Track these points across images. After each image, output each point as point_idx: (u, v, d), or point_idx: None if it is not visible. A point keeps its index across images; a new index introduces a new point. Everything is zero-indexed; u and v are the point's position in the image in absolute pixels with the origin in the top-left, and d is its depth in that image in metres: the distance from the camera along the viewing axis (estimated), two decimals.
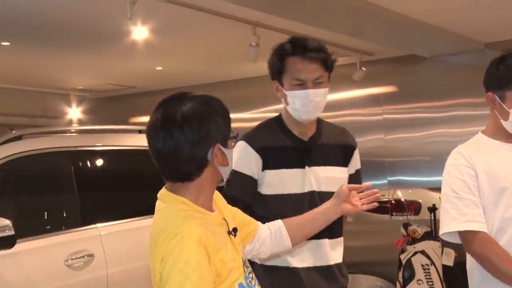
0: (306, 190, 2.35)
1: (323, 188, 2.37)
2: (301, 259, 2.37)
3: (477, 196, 2.19)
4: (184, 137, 1.65)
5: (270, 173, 2.33)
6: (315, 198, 2.34)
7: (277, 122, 2.42)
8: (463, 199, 2.20)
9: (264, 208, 2.33)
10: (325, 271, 2.41)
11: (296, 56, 2.32)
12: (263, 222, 2.14)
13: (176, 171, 1.70)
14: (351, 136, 2.55)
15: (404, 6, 5.11)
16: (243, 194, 2.32)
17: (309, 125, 2.41)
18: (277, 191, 2.34)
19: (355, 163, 2.52)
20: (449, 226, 2.21)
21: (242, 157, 2.35)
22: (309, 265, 2.39)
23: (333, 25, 5.40)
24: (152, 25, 4.99)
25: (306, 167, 2.35)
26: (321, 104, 2.34)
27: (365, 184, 2.17)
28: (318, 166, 2.38)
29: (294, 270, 2.37)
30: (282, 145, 2.36)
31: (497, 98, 2.24)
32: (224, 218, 1.81)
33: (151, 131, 1.70)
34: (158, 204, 1.77)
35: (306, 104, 2.30)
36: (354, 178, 2.49)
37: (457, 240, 2.24)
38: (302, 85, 2.31)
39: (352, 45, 6.49)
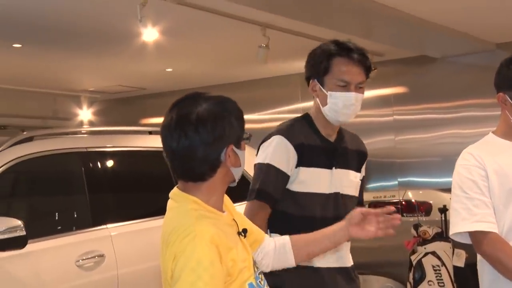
0: (333, 191, 2.37)
1: (345, 191, 2.40)
2: (324, 259, 2.37)
3: (488, 196, 2.19)
4: (198, 137, 1.66)
5: (304, 170, 2.33)
6: (339, 200, 2.37)
7: (307, 121, 2.43)
8: (473, 199, 2.19)
9: (292, 205, 2.34)
10: (344, 272, 2.44)
11: (343, 57, 2.35)
12: (289, 220, 2.15)
13: (189, 171, 1.71)
14: (363, 143, 2.60)
15: (414, 6, 5.09)
16: (275, 190, 2.31)
17: (335, 128, 2.44)
18: (309, 189, 2.34)
19: (363, 170, 2.56)
20: (459, 226, 2.20)
21: (280, 152, 2.34)
22: (331, 266, 2.40)
23: (342, 26, 5.39)
24: (162, 26, 5.01)
25: (333, 168, 2.38)
26: (358, 109, 2.38)
27: (387, 207, 1.99)
28: (342, 169, 2.41)
29: (317, 270, 2.37)
30: (314, 144, 2.37)
31: (508, 98, 2.24)
32: (234, 219, 1.81)
33: (165, 130, 1.71)
34: (169, 203, 1.78)
35: (348, 106, 2.33)
36: (361, 185, 2.53)
37: (467, 240, 2.23)
38: (345, 87, 2.33)
39: (361, 46, 6.47)
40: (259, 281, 1.77)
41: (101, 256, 3.65)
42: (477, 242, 2.18)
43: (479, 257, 2.26)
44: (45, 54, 6.34)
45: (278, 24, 5.22)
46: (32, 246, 3.36)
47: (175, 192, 1.77)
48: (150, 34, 4.96)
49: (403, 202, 6.73)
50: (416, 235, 5.46)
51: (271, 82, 7.82)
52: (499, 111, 2.32)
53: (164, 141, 1.72)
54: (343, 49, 2.36)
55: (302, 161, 2.33)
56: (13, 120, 8.44)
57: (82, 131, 4.81)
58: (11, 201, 3.87)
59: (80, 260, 3.57)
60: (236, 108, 1.76)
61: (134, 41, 5.44)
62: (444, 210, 5.55)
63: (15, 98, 8.34)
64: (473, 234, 2.19)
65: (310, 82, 2.40)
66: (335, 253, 2.39)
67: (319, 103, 2.38)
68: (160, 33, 5.14)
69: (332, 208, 2.33)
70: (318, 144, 2.38)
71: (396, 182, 7.24)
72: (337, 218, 2.29)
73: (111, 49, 6.14)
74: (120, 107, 9.26)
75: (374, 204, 7.02)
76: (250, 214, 2.23)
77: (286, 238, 2.02)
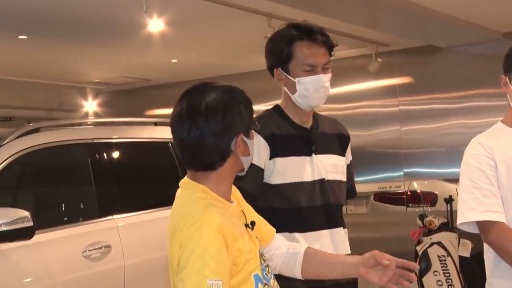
0: (316, 178, 2.29)
1: (330, 176, 2.32)
2: (322, 247, 2.27)
3: (496, 186, 2.18)
4: (208, 126, 1.66)
5: (280, 160, 2.25)
6: (325, 186, 2.29)
7: (277, 112, 2.35)
8: (482, 189, 2.18)
9: (277, 199, 2.24)
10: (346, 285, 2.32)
11: (305, 40, 2.25)
12: (277, 215, 2.10)
13: (199, 160, 1.71)
14: (344, 126, 2.50)
15: None
16: (252, 187, 2.20)
17: (308, 114, 2.35)
18: (290, 180, 2.25)
19: (348, 154, 2.47)
20: (467, 216, 2.20)
21: None
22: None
23: (348, 16, 5.38)
24: (167, 17, 5.01)
25: (313, 154, 2.30)
26: (328, 90, 2.29)
27: (410, 263, 1.81)
28: (323, 154, 2.32)
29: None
30: (287, 133, 2.29)
31: (507, 81, 2.22)
32: (242, 211, 1.82)
33: (175, 120, 1.71)
34: (178, 191, 1.79)
35: (318, 89, 2.25)
36: (349, 169, 2.44)
37: (475, 230, 2.22)
38: (311, 70, 2.24)
39: (367, 36, 6.46)
40: (266, 273, 1.77)
41: (108, 247, 3.67)
42: (485, 231, 2.18)
43: (485, 246, 2.26)
44: (51, 45, 6.35)
45: (284, 14, 5.21)
46: (40, 237, 3.38)
47: (184, 181, 1.78)
48: (155, 25, 4.97)
49: (409, 193, 6.74)
50: (421, 225, 5.46)
51: None
52: (505, 101, 2.31)
53: (174, 131, 1.72)
54: (304, 32, 2.26)
55: (276, 152, 2.25)
56: (19, 112, 8.48)
57: (88, 123, 4.81)
58: (18, 192, 3.88)
59: (87, 251, 3.58)
60: (244, 96, 1.76)
61: (139, 32, 5.44)
62: (450, 200, 5.54)
63: (21, 90, 8.36)
64: (480, 224, 2.18)
65: (274, 71, 2.32)
66: (333, 239, 2.30)
67: (287, 91, 2.30)
68: (165, 24, 5.14)
69: (319, 196, 2.26)
70: (292, 132, 2.30)
71: (402, 173, 7.23)
72: (327, 205, 2.28)
73: (116, 40, 6.14)
74: (125, 99, 9.27)
75: (380, 194, 7.03)
76: None
77: (301, 248, 1.96)
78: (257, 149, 2.20)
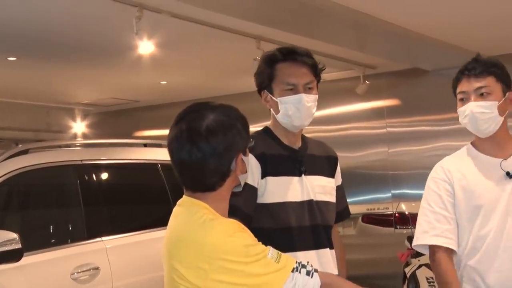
0: (305, 198, 2.29)
1: (318, 197, 2.32)
2: None
3: (451, 212, 2.23)
4: (210, 148, 1.67)
5: (271, 179, 2.25)
6: (313, 207, 2.29)
7: (266, 133, 2.37)
8: (436, 213, 2.24)
9: (268, 219, 2.23)
10: None
11: (286, 62, 2.29)
12: (268, 235, 2.09)
13: (200, 182, 1.71)
14: (331, 148, 2.52)
15: (406, 19, 5.15)
16: (245, 204, 2.19)
17: (297, 135, 2.37)
18: (280, 199, 2.25)
19: (338, 176, 2.49)
20: (419, 239, 2.28)
21: None
22: None
23: (336, 38, 5.44)
24: (157, 39, 5.03)
25: (303, 175, 2.31)
26: (312, 110, 2.30)
27: None
28: (312, 175, 2.33)
29: None
30: (277, 153, 2.30)
31: None
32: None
33: (175, 143, 1.71)
34: (176, 210, 1.77)
35: (299, 108, 2.26)
36: (340, 192, 2.46)
37: (428, 251, 2.30)
38: (293, 89, 2.27)
39: (355, 59, 6.53)
40: None
41: (96, 269, 3.65)
42: (431, 255, 2.26)
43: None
44: (40, 67, 6.35)
45: (273, 37, 5.26)
46: (28, 259, 3.36)
47: (184, 200, 1.76)
48: (145, 46, 4.99)
49: (397, 214, 6.75)
50: (410, 247, 5.47)
51: None
52: None
53: (173, 154, 1.72)
54: (285, 53, 2.30)
55: (268, 171, 2.25)
56: (6, 133, 8.43)
57: (77, 144, 4.81)
58: (6, 214, 3.86)
59: (75, 273, 3.56)
60: (240, 115, 1.78)
61: (129, 53, 5.46)
62: None
63: (8, 111, 8.33)
64: (430, 247, 2.25)
65: (262, 93, 2.36)
66: (321, 260, 2.29)
67: (273, 112, 2.33)
68: (155, 46, 5.16)
69: (308, 216, 2.26)
70: (282, 153, 2.31)
71: (390, 194, 7.26)
72: (315, 226, 2.28)
73: (106, 61, 6.16)
74: (114, 120, 9.26)
75: (368, 216, 7.05)
76: None
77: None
78: (250, 168, 2.16)
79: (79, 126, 9.15)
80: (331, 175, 2.43)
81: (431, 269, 5.23)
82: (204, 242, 1.60)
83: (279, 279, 1.60)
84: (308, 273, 1.64)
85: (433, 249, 2.24)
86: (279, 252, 1.67)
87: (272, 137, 2.35)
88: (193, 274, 1.60)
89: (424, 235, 2.25)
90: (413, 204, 6.98)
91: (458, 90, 2.30)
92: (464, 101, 2.28)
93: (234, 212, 2.11)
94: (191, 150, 1.67)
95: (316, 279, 1.64)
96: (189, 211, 1.71)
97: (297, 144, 2.37)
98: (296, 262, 1.66)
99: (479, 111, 2.23)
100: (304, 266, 1.66)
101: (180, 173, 1.73)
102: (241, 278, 1.59)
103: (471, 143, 2.36)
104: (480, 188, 2.21)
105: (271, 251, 1.64)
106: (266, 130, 2.39)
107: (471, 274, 2.20)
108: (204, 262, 1.59)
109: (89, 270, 3.62)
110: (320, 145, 2.48)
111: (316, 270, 1.68)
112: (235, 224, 1.68)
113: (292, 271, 1.63)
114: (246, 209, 2.19)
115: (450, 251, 2.22)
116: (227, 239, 1.61)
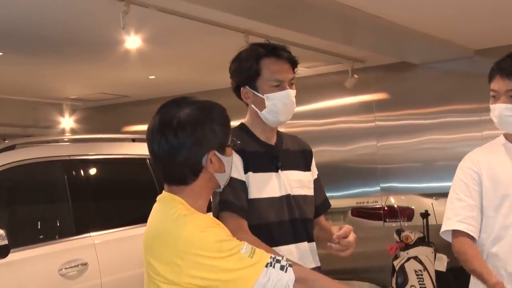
0: (283, 193, 2.32)
1: (295, 192, 2.35)
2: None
3: (476, 201, 2.27)
4: (177, 141, 1.69)
5: (252, 175, 2.27)
6: (291, 201, 2.32)
7: (242, 130, 2.38)
8: (461, 200, 2.29)
9: (250, 214, 2.23)
10: None
11: (272, 57, 2.30)
12: (251, 230, 2.11)
13: (170, 174, 1.74)
14: (305, 142, 2.54)
15: (394, 13, 5.15)
16: (236, 198, 2.20)
17: (273, 131, 2.39)
18: (261, 195, 2.28)
19: (314, 169, 2.51)
20: (445, 225, 2.32)
21: None
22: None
23: (324, 32, 5.44)
24: (145, 34, 5.01)
25: (279, 170, 2.33)
26: (295, 105, 2.33)
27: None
28: (288, 170, 2.36)
29: None
30: (254, 150, 2.32)
31: None
32: None
33: (149, 134, 1.75)
34: (155, 206, 1.79)
35: (286, 104, 2.29)
36: (318, 185, 2.47)
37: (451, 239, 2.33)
38: (279, 86, 2.28)
39: (343, 53, 6.53)
40: None
41: (85, 264, 3.64)
42: (453, 240, 2.30)
43: None
44: (27, 62, 6.31)
45: (261, 31, 5.25)
46: (15, 255, 3.34)
47: (163, 195, 1.79)
48: (133, 41, 4.97)
49: (386, 208, 6.77)
50: (398, 240, 5.49)
51: None
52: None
53: (148, 145, 1.76)
54: (270, 49, 2.31)
55: (249, 167, 2.27)
56: None
57: (65, 139, 4.78)
58: None
59: (63, 269, 3.55)
60: (221, 114, 1.78)
61: (116, 48, 5.43)
62: (426, 215, 5.59)
63: None
64: (453, 233, 2.29)
65: (241, 90, 2.36)
66: (302, 254, 2.33)
67: (255, 108, 2.33)
68: (142, 41, 5.14)
69: (287, 211, 2.28)
70: (259, 150, 2.32)
71: (379, 188, 7.29)
72: (293, 220, 2.30)
73: (93, 57, 6.13)
74: (102, 115, 9.22)
75: (357, 210, 7.07)
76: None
77: None
78: (234, 163, 2.15)
79: (67, 122, 9.11)
80: (307, 168, 2.45)
81: (419, 262, 5.28)
82: (177, 238, 1.61)
83: (252, 274, 1.61)
84: (282, 267, 1.65)
85: (455, 234, 2.28)
86: (254, 247, 1.67)
87: (249, 134, 2.36)
88: (168, 270, 1.62)
89: (448, 221, 2.30)
90: (402, 197, 7.01)
91: (491, 86, 2.32)
92: (495, 98, 2.30)
93: (226, 206, 2.14)
94: (160, 142, 1.70)
95: (290, 273, 1.64)
96: (165, 206, 1.73)
97: (273, 140, 2.39)
98: (271, 257, 1.66)
99: (507, 114, 2.27)
100: (278, 261, 1.66)
101: (154, 164, 1.77)
102: (215, 274, 1.59)
103: (503, 134, 2.37)
104: (508, 178, 2.26)
105: (245, 246, 1.64)
106: (242, 127, 2.40)
107: (494, 261, 2.25)
108: (178, 258, 1.60)
109: (77, 266, 3.61)
110: (294, 140, 2.50)
111: (290, 265, 1.68)
112: (208, 219, 1.68)
113: (266, 266, 1.63)
114: (238, 201, 2.20)
115: (471, 238, 2.26)
116: (200, 234, 1.61)
